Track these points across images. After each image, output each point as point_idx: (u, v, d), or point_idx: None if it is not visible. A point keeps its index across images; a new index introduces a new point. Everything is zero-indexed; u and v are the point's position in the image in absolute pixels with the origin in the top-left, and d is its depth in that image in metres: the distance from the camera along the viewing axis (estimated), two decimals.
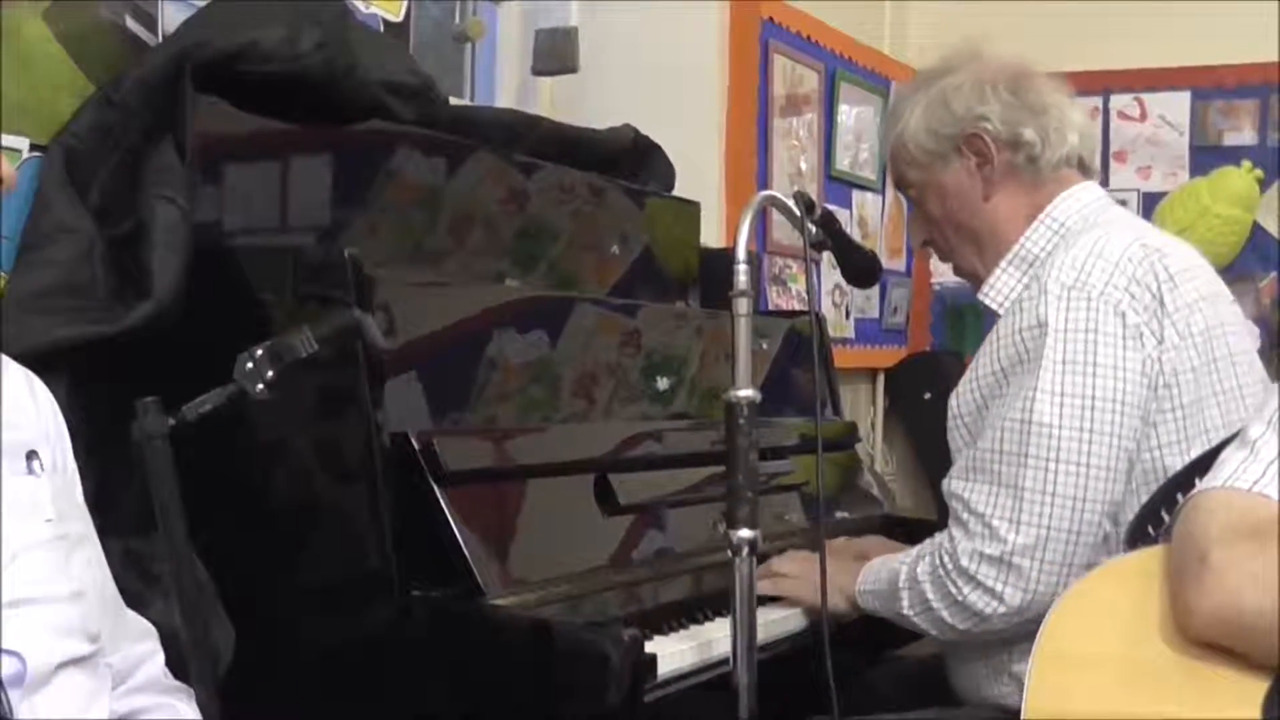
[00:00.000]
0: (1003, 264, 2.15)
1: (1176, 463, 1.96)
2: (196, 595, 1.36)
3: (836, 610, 2.14)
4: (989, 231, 2.17)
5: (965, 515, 1.97)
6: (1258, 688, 1.48)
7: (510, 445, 2.06)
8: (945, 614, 1.98)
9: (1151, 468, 1.97)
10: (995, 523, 1.93)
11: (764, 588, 2.18)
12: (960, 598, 1.95)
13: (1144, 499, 1.94)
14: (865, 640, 2.33)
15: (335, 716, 1.90)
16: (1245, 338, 2.13)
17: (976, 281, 2.23)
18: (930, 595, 1.99)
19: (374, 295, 1.90)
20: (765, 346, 2.75)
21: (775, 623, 2.15)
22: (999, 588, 1.93)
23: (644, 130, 3.01)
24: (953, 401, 2.12)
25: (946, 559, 1.97)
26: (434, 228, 2.37)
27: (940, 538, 2.01)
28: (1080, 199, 2.15)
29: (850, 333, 4.16)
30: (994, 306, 2.15)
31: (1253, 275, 4.32)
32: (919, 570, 2.02)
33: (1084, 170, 2.20)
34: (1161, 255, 2.02)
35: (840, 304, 4.08)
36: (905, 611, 2.04)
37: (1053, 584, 1.90)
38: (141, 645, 1.57)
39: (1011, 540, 1.92)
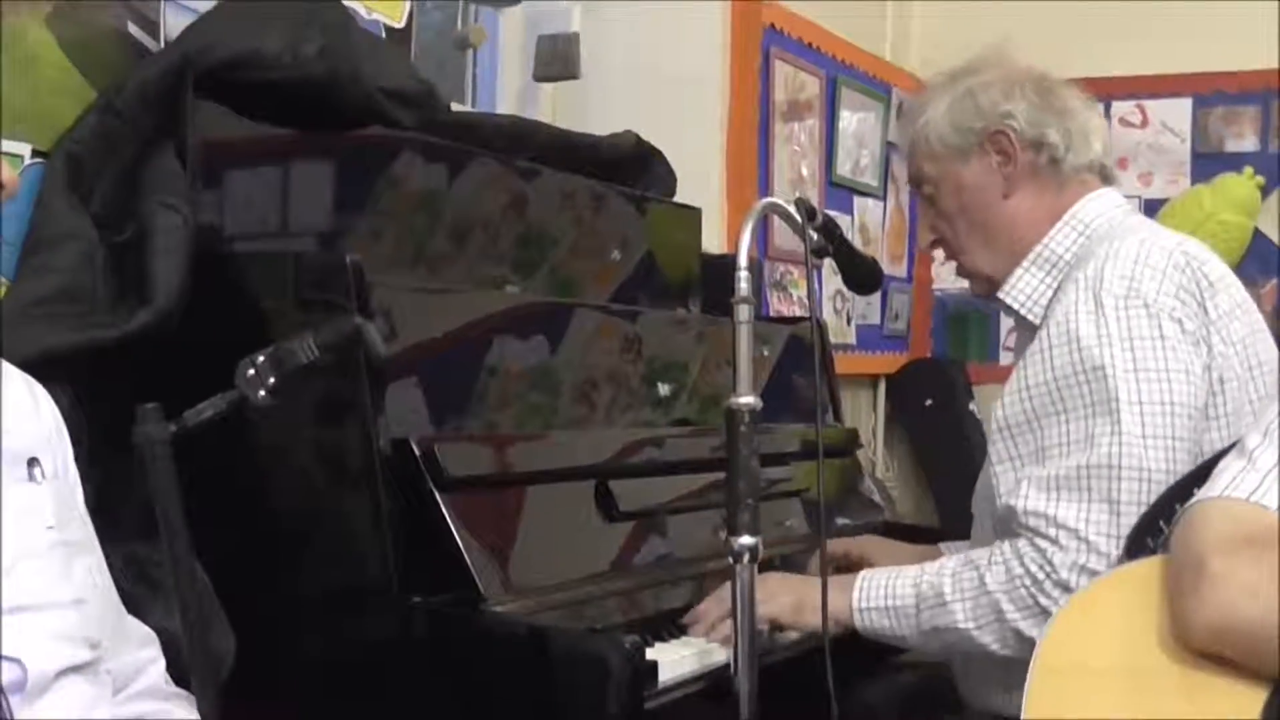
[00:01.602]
0: (1025, 264, 2.13)
1: None
2: (198, 601, 1.36)
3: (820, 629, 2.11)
4: (1005, 230, 2.16)
5: (1054, 531, 1.91)
6: (1256, 697, 1.48)
7: (511, 451, 2.06)
8: (1024, 625, 1.93)
9: None
10: (1094, 538, 1.89)
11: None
12: (1055, 609, 1.87)
13: None
14: (865, 649, 2.32)
15: None
16: (1271, 346, 2.11)
17: (981, 282, 2.21)
18: (1005, 606, 1.93)
19: (375, 301, 1.90)
20: (766, 353, 2.75)
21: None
22: None
23: (645, 136, 3.01)
24: (997, 412, 2.07)
25: (1035, 569, 1.91)
26: (435, 234, 2.37)
27: (1012, 546, 1.95)
28: (1104, 203, 2.14)
29: (851, 339, 4.16)
30: (1015, 306, 2.13)
31: (1254, 281, 4.31)
32: (988, 580, 1.95)
33: (1105, 178, 2.19)
34: (1201, 263, 2.02)
35: (841, 310, 4.09)
36: (960, 624, 1.97)
37: None
38: (142, 651, 1.57)
39: (1114, 555, 1.88)
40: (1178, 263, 1.99)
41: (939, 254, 2.31)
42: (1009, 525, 1.99)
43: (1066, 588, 1.90)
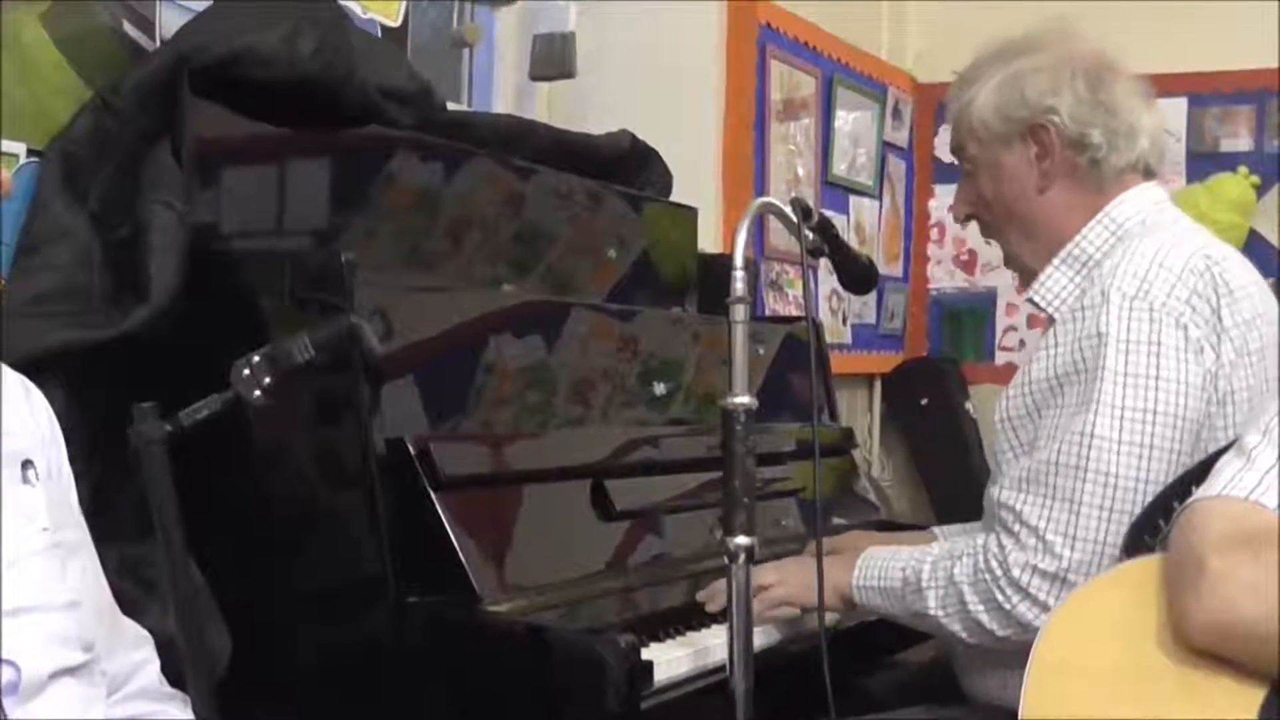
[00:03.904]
0: (1055, 262, 2.10)
1: None
2: (193, 601, 1.36)
3: (829, 607, 2.12)
4: (1041, 222, 2.12)
5: (1017, 527, 1.92)
6: (1254, 696, 1.48)
7: (507, 450, 2.06)
8: (985, 618, 1.94)
9: None
10: (1050, 537, 1.89)
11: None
12: (1009, 606, 1.91)
13: None
14: (861, 645, 2.32)
15: None
16: None
17: (1021, 269, 2.18)
18: (969, 597, 1.95)
19: (371, 300, 1.90)
20: (762, 352, 2.75)
21: (769, 629, 2.14)
22: (1050, 601, 1.88)
23: (641, 135, 3.01)
24: (1001, 405, 2.07)
25: (995, 565, 1.92)
26: (431, 233, 2.37)
27: (985, 541, 1.97)
28: (1139, 200, 2.10)
29: (847, 338, 4.16)
30: (1043, 304, 2.10)
31: None
32: (956, 571, 1.97)
33: (1148, 175, 2.14)
34: (1223, 269, 1.98)
35: (837, 310, 4.09)
36: (931, 610, 1.99)
37: None
38: (137, 652, 1.57)
39: (1067, 557, 1.88)
40: (1195, 267, 1.96)
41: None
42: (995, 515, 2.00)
43: (1019, 587, 1.91)
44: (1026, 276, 2.18)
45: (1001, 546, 1.93)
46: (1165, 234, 2.03)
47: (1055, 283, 2.10)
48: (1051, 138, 2.09)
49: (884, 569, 2.07)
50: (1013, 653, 1.99)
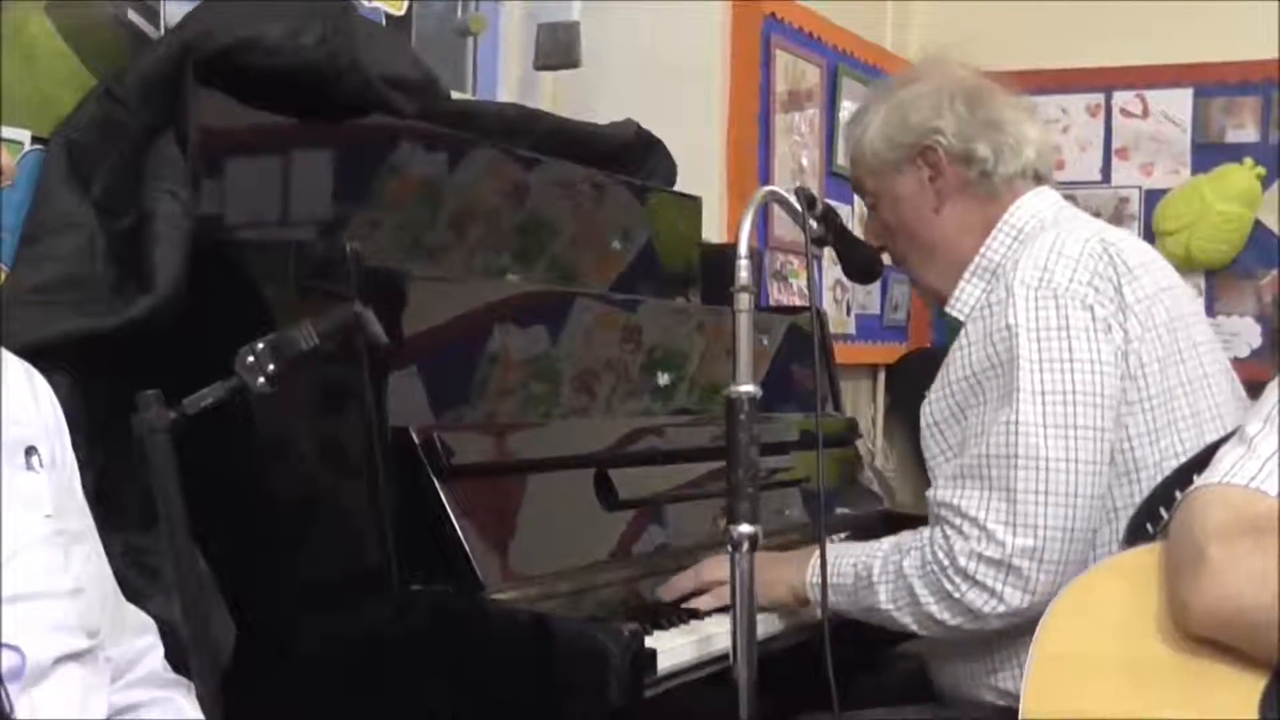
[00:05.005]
0: (966, 275, 2.15)
1: (1148, 455, 1.98)
2: (197, 589, 1.36)
3: (782, 604, 2.13)
4: (941, 242, 2.18)
5: (957, 520, 1.95)
6: (1255, 685, 1.48)
7: (511, 440, 2.06)
8: (935, 609, 1.96)
9: (1122, 460, 1.98)
10: (991, 526, 1.92)
11: (706, 601, 2.11)
12: (958, 595, 1.94)
13: (1119, 493, 1.97)
14: (860, 640, 2.32)
15: (335, 711, 1.90)
16: (1208, 329, 2.15)
17: (926, 291, 2.25)
18: (919, 590, 1.97)
19: (375, 289, 1.90)
20: (766, 342, 2.75)
21: (772, 618, 2.14)
22: (999, 588, 1.91)
23: (646, 125, 3.01)
24: (925, 409, 2.12)
25: (941, 555, 1.95)
26: (436, 222, 2.37)
27: (929, 533, 2.00)
28: (1035, 204, 2.16)
29: (851, 329, 4.16)
30: (961, 318, 2.15)
31: (1254, 273, 4.32)
32: (905, 564, 2.00)
33: (1039, 181, 2.20)
34: (1119, 250, 2.03)
35: (841, 300, 4.08)
36: (882, 605, 2.02)
37: (1051, 584, 1.89)
38: (141, 639, 1.57)
39: (1010, 543, 1.91)
40: (1093, 250, 2.01)
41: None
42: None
43: (966, 575, 1.93)
44: (931, 298, 2.26)
45: (946, 537, 1.96)
46: (1062, 227, 2.09)
47: (969, 295, 2.15)
48: (939, 157, 2.16)
49: (837, 565, 2.09)
50: (976, 646, 2.03)
